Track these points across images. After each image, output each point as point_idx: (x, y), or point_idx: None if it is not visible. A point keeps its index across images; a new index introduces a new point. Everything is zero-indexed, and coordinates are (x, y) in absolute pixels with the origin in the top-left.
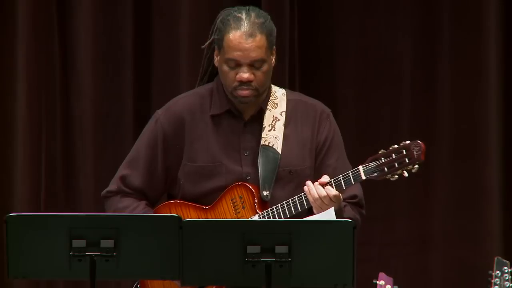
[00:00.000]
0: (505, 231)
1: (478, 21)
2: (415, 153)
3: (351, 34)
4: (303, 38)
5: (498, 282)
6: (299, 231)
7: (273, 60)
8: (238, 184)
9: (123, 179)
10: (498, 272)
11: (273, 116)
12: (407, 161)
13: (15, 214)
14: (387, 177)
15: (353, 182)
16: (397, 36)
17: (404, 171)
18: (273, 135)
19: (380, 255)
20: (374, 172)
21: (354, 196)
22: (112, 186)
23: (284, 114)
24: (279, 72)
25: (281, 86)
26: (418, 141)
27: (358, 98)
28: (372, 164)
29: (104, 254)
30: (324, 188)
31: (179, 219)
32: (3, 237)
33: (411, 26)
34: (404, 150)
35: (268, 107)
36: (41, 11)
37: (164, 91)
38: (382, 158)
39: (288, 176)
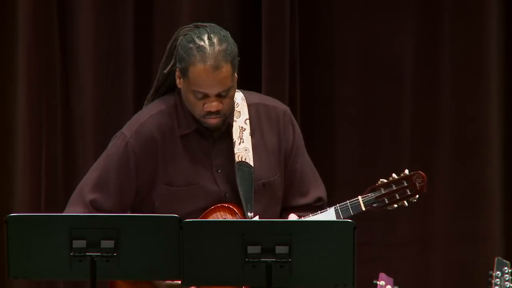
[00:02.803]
0: (506, 231)
1: (479, 21)
2: (417, 184)
3: (351, 35)
4: (304, 39)
5: (498, 283)
6: (299, 232)
7: (236, 76)
8: (219, 205)
9: (93, 203)
10: (498, 272)
11: (239, 126)
12: (409, 192)
13: (15, 214)
14: (388, 208)
15: (351, 212)
16: (397, 37)
17: (405, 201)
18: (244, 147)
19: (380, 256)
20: (374, 203)
21: (319, 199)
22: (80, 208)
23: (248, 122)
24: (280, 73)
25: (242, 88)
26: (420, 172)
27: (359, 98)
28: (372, 194)
29: (104, 254)
30: None
31: (179, 219)
32: (3, 238)
33: (411, 26)
34: (405, 182)
35: (234, 118)
36: (42, 11)
37: None
38: (382, 189)
39: (262, 189)
